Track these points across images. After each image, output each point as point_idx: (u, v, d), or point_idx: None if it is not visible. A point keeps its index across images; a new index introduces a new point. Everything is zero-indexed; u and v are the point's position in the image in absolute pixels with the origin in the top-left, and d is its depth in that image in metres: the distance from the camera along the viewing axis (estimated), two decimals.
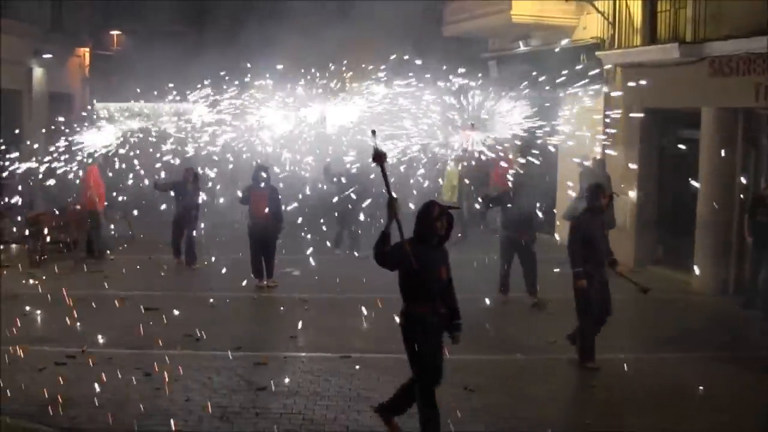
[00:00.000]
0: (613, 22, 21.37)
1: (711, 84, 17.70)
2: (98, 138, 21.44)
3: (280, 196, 18.49)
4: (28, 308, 15.95)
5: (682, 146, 18.97)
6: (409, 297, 9.41)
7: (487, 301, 16.18)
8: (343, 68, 22.67)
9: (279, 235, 18.52)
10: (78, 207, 21.79)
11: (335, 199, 21.73)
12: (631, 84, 20.07)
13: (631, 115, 20.38)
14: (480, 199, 18.53)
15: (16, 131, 25.18)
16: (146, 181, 21.57)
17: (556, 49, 22.18)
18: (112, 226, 23.19)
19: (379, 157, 9.47)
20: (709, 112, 18.12)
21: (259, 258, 18.27)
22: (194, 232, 20.59)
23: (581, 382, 12.38)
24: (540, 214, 17.10)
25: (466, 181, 24.26)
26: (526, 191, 16.92)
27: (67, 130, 21.90)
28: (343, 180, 21.67)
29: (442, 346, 9.65)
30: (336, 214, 22.31)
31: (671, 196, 20.22)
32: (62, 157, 20.99)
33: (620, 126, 20.86)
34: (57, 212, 22.21)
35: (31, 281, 18.33)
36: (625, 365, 12.74)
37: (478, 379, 12.12)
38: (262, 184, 18.14)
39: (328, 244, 21.88)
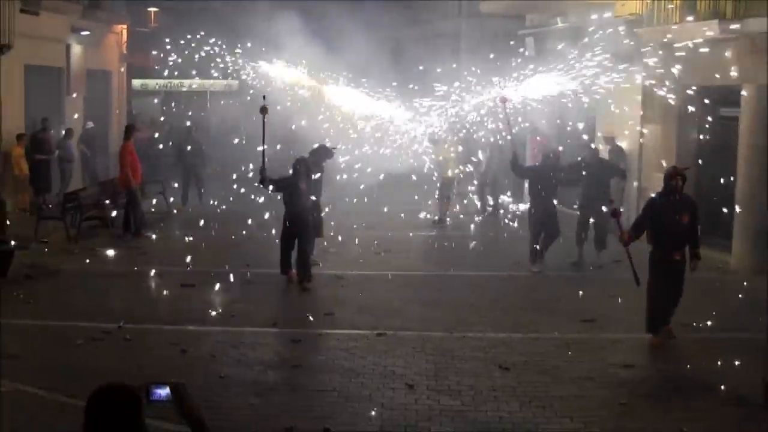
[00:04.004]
0: None
1: (751, 61, 17.46)
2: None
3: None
4: (64, 284, 16.09)
5: (721, 124, 18.78)
6: None
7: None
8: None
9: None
10: (115, 183, 21.91)
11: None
12: (670, 61, 19.82)
13: (670, 92, 20.13)
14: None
15: (56, 108, 25.35)
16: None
17: (593, 27, 21.93)
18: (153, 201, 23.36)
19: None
20: (750, 90, 17.88)
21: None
22: (309, 242, 16.93)
23: (618, 361, 12.29)
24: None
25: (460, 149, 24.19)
26: None
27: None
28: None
29: None
30: (536, 223, 18.08)
31: (710, 175, 19.99)
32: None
33: (658, 103, 20.65)
34: (94, 189, 22.37)
35: (68, 257, 18.50)
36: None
37: (513, 357, 12.11)
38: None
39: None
